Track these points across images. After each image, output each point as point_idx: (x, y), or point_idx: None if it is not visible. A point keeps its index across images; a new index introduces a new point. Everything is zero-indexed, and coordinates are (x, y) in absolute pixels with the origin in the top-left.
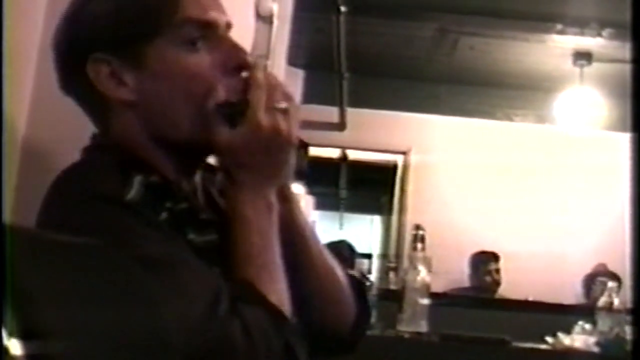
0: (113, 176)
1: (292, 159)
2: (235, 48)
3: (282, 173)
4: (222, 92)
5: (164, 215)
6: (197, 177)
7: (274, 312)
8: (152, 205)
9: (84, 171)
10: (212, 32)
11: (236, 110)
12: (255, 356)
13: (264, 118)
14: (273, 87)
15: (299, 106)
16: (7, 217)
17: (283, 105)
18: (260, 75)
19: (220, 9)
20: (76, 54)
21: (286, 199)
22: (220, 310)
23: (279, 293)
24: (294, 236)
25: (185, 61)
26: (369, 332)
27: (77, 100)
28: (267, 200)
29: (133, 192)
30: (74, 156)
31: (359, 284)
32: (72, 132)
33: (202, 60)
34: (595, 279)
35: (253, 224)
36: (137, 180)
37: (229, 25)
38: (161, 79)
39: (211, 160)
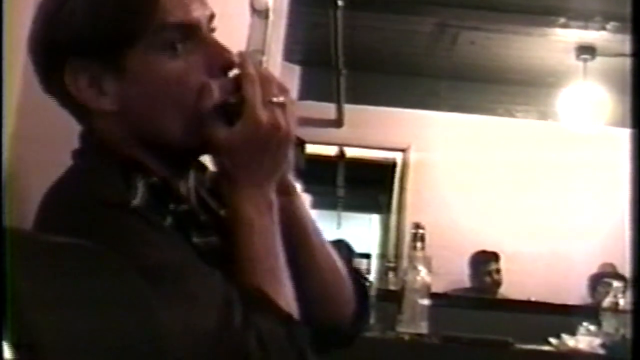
0: (116, 181)
1: (291, 154)
2: (219, 48)
3: (282, 169)
4: (217, 94)
5: (169, 219)
6: (191, 179)
7: (286, 318)
8: (157, 209)
9: (83, 176)
10: (193, 34)
11: (233, 110)
12: None
13: (261, 114)
14: (267, 81)
15: (295, 99)
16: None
17: (280, 99)
18: (252, 70)
19: (201, 3)
20: (53, 59)
21: (287, 191)
22: (234, 320)
23: (287, 296)
24: (296, 229)
25: (165, 67)
26: (367, 334)
27: (59, 103)
28: (267, 199)
29: (139, 198)
30: (61, 155)
31: (359, 278)
32: (60, 131)
33: (183, 64)
34: (601, 279)
35: (255, 225)
36: (140, 183)
37: (212, 17)
38: (142, 86)
39: (201, 158)
